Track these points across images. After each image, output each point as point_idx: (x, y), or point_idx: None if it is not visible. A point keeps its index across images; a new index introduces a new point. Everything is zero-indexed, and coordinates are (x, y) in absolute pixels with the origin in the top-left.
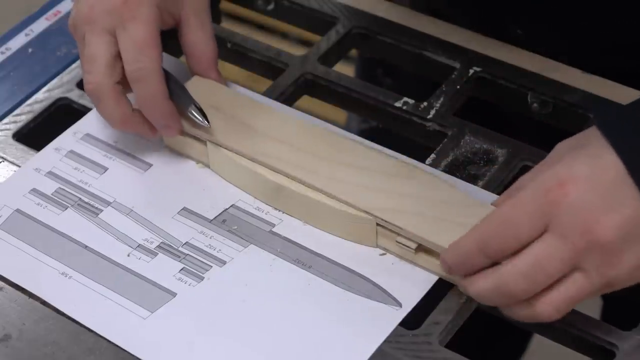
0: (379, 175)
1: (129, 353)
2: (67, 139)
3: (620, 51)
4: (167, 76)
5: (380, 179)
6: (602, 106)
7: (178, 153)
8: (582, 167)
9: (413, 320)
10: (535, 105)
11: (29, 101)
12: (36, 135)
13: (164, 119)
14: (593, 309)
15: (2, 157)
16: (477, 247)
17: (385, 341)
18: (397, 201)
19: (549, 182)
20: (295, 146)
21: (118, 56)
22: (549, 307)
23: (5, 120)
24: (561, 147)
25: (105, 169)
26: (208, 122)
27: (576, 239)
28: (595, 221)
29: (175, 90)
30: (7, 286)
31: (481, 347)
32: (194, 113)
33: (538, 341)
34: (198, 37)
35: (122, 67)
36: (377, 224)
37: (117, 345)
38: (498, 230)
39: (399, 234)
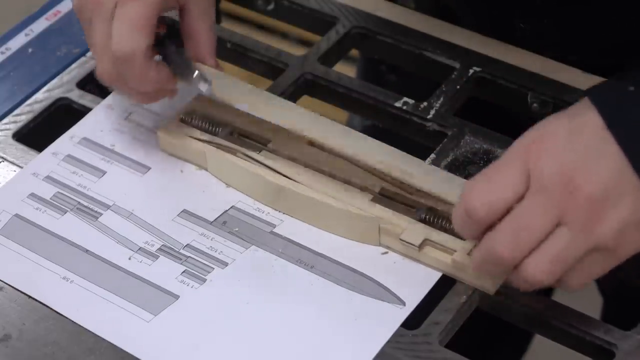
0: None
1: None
2: (64, 143)
3: (620, 50)
4: (169, 47)
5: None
6: None
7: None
8: (561, 123)
9: (413, 320)
10: (535, 105)
11: (29, 101)
12: (36, 135)
13: (154, 90)
14: (593, 309)
15: (2, 157)
16: (467, 215)
17: None
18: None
19: (528, 139)
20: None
21: None
22: (535, 268)
23: (5, 120)
24: None
25: (104, 173)
26: (210, 84)
27: (557, 192)
28: (576, 173)
29: (177, 61)
30: (7, 286)
31: (481, 347)
32: (197, 80)
33: (538, 341)
34: (198, 25)
35: None
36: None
37: (117, 346)
38: (482, 191)
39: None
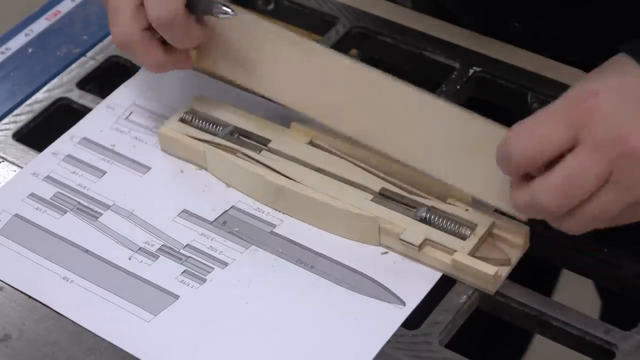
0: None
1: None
2: (64, 143)
3: (615, 47)
4: None
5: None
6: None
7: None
8: (612, 80)
9: (413, 320)
10: (535, 105)
11: (29, 101)
12: (36, 135)
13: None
14: (593, 309)
15: (2, 157)
16: (505, 158)
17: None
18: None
19: (580, 92)
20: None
21: (141, 4)
22: (577, 224)
23: (5, 120)
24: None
25: (104, 173)
26: (233, 11)
27: (609, 149)
28: (628, 131)
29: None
30: (7, 286)
31: (481, 347)
32: (221, 8)
33: (538, 341)
34: None
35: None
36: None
37: (117, 346)
38: (524, 138)
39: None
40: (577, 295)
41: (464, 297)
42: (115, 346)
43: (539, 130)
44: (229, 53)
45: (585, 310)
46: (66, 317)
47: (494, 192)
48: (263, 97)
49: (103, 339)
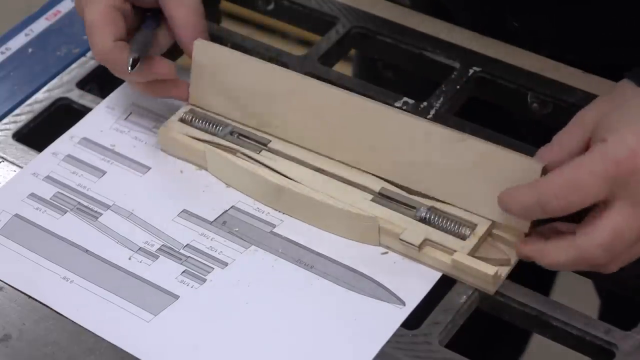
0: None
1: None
2: (64, 143)
3: (613, 47)
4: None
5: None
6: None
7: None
8: None
9: (413, 320)
10: (535, 105)
11: (29, 101)
12: (36, 135)
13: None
14: (593, 309)
15: (2, 157)
16: (538, 205)
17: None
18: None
19: (620, 150)
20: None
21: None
22: (613, 268)
23: (5, 120)
24: (589, 116)
25: (104, 173)
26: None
27: None
28: None
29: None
30: (7, 286)
31: (481, 347)
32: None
33: (538, 341)
34: (176, 12)
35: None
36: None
37: (117, 346)
38: (562, 190)
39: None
40: (577, 295)
41: (464, 297)
42: (115, 346)
43: (579, 184)
44: (220, 89)
45: (585, 310)
46: (66, 317)
47: (494, 207)
48: None
49: (103, 339)
